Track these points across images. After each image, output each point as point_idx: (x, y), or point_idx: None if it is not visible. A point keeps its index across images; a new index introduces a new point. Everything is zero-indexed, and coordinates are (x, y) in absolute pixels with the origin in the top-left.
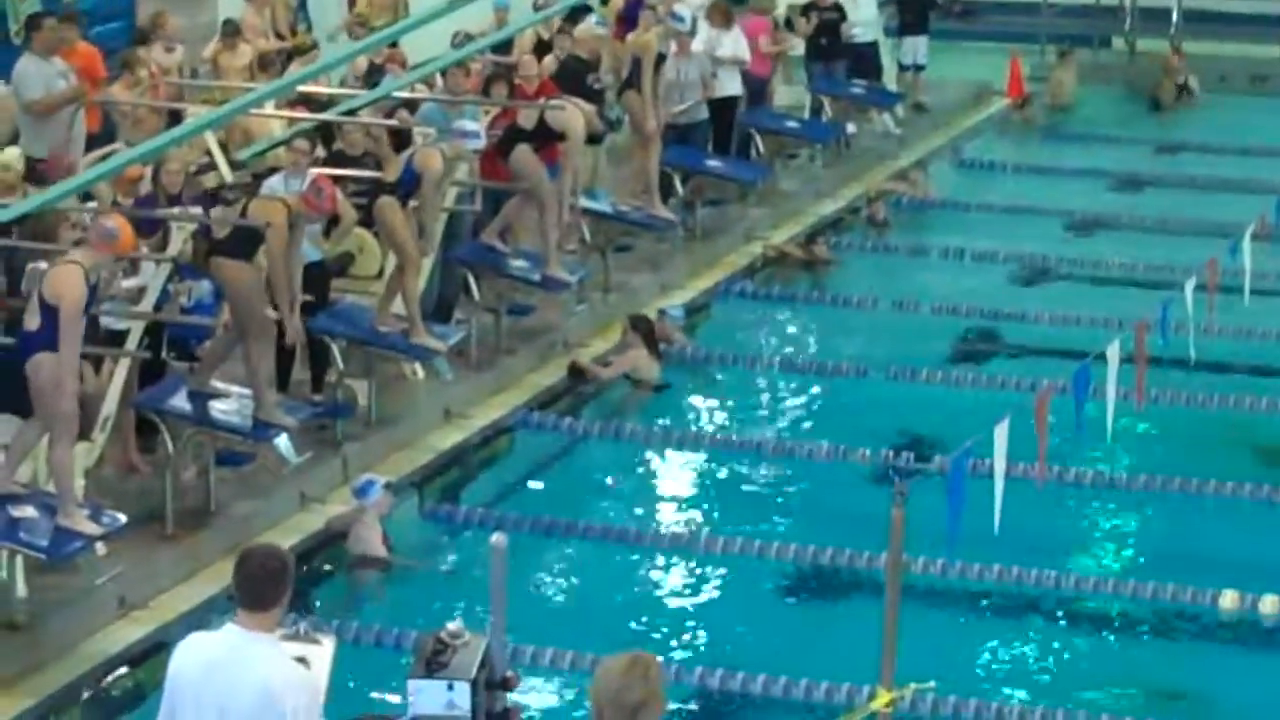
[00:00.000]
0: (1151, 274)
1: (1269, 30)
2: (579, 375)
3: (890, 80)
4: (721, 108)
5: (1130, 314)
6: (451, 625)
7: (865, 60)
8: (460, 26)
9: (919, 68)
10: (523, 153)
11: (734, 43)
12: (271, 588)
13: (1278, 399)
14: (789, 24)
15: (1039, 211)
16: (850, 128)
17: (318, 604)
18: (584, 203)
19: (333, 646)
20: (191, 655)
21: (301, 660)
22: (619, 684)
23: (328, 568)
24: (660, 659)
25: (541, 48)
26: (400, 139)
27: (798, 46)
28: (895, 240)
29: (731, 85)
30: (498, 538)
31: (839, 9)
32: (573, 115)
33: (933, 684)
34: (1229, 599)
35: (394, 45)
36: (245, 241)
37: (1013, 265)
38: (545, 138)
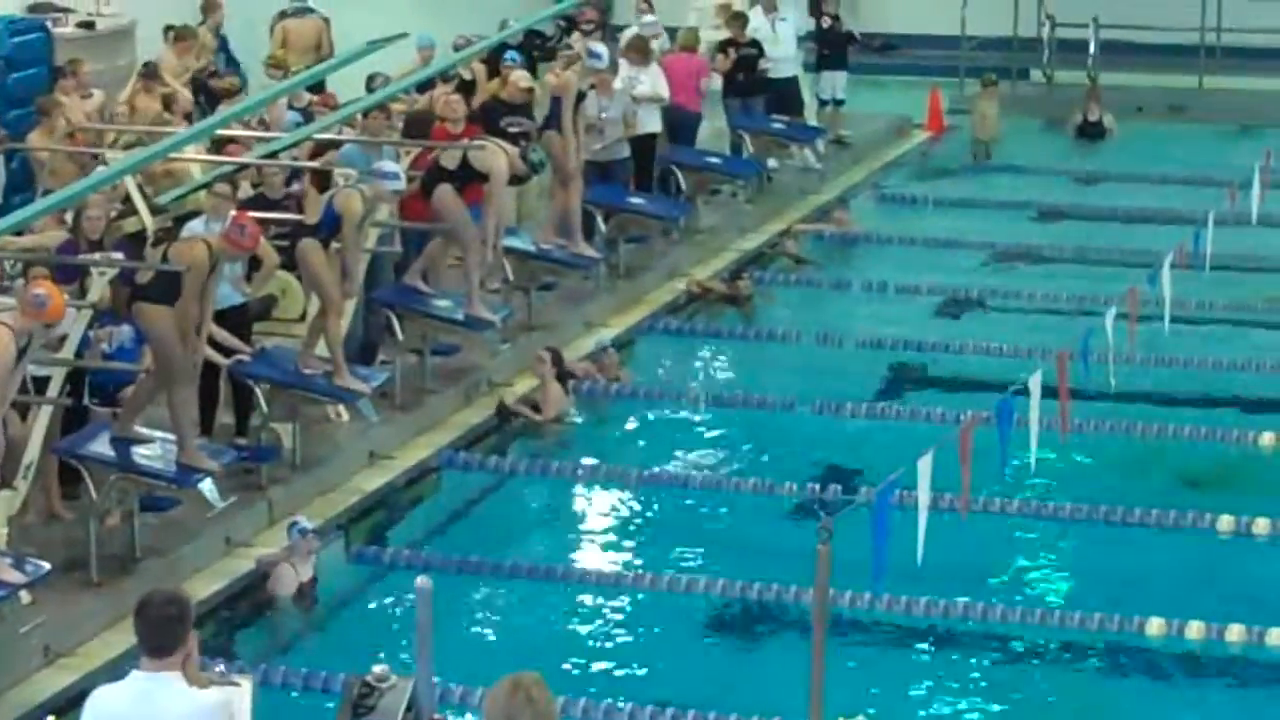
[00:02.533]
0: (1073, 304)
1: (1185, 60)
2: (508, 415)
3: (810, 115)
4: (642, 145)
5: (1053, 344)
6: (378, 668)
7: (786, 95)
8: (384, 67)
9: (838, 102)
10: (444, 193)
11: (652, 80)
12: (171, 633)
13: (1199, 426)
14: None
15: (961, 244)
16: (771, 163)
17: (244, 647)
18: (506, 241)
19: (250, 687)
20: (103, 706)
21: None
22: (505, 712)
23: (254, 611)
24: (542, 679)
25: (465, 88)
26: (324, 181)
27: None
28: (819, 275)
29: (651, 122)
30: (422, 580)
31: (757, 45)
32: (495, 155)
33: (861, 718)
34: (1155, 626)
35: (317, 88)
36: (167, 286)
37: (936, 298)
38: (468, 178)
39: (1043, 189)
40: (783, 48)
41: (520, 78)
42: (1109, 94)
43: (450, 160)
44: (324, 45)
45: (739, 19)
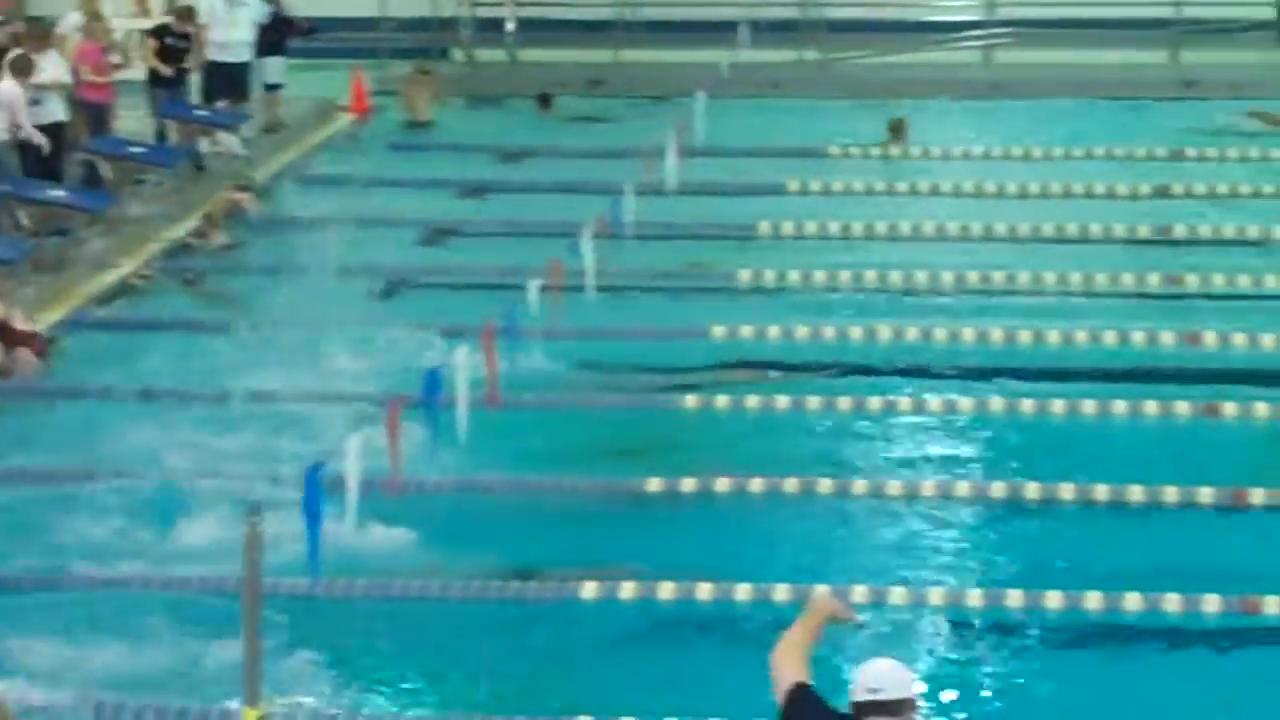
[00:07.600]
0: (500, 278)
1: (602, 35)
2: None
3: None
4: (51, 135)
5: (480, 319)
6: None
7: (237, 80)
8: None
9: (275, 86)
10: None
11: (53, 65)
12: None
13: (630, 394)
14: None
15: (391, 223)
16: (204, 147)
17: None
18: None
19: None
20: None
21: None
22: None
23: None
24: None
25: None
26: None
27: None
28: (250, 260)
29: (58, 111)
30: None
31: (187, 38)
32: None
33: None
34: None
35: None
36: None
37: (368, 278)
38: None
39: (468, 166)
40: (240, 32)
41: None
42: (528, 70)
43: None
44: None
45: (188, 11)
